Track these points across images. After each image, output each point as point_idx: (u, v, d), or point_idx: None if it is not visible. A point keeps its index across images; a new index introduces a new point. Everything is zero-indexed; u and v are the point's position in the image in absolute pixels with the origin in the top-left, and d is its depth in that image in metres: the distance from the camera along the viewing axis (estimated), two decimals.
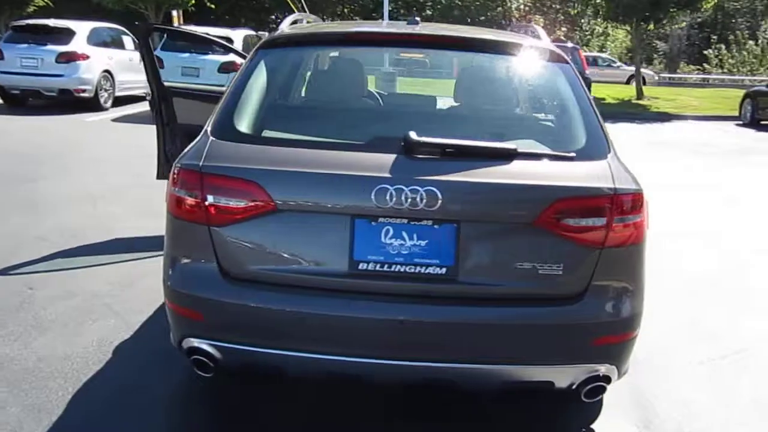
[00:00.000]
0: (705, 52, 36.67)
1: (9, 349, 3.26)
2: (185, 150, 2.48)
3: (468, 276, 2.21)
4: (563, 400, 2.74)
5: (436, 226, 2.21)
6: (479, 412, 2.84)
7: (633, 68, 24.24)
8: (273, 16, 33.42)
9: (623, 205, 2.26)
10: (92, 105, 11.99)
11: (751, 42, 33.73)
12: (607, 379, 2.33)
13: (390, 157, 2.23)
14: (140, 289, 4.02)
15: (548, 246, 2.22)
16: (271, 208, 2.21)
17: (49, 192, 6.31)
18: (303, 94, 2.93)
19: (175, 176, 2.37)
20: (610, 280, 2.28)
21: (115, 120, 11.30)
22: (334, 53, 2.91)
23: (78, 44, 12.03)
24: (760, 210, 7.10)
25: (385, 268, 2.21)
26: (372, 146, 2.31)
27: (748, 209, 7.12)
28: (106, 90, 12.42)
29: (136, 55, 13.42)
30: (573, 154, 2.33)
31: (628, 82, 26.10)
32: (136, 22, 16.74)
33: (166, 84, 4.90)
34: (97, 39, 12.63)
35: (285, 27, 2.91)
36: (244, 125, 2.44)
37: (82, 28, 12.46)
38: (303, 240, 2.26)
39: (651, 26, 22.02)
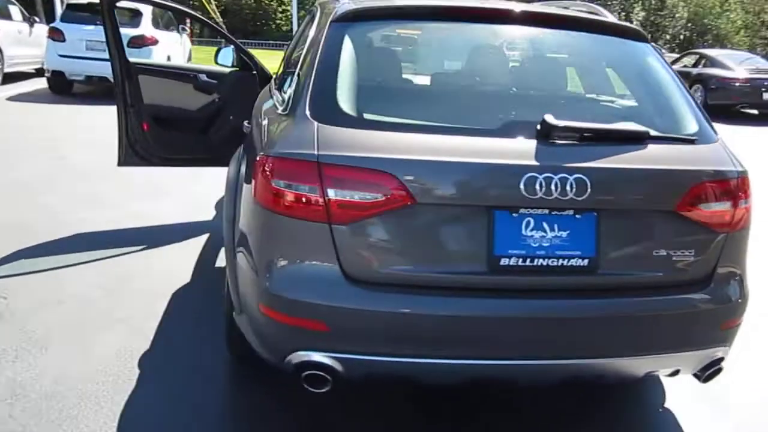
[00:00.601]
0: None
1: (12, 372, 2.77)
2: (272, 136, 2.19)
3: (608, 267, 2.10)
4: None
5: (578, 216, 2.07)
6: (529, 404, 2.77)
7: None
8: None
9: (745, 187, 2.25)
10: None
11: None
12: (722, 362, 2.33)
13: (528, 143, 2.07)
14: (135, 292, 3.59)
15: (683, 232, 2.16)
16: (407, 203, 1.98)
17: None
18: (403, 74, 2.67)
19: (273, 167, 2.07)
20: (730, 263, 2.27)
21: (10, 99, 10.11)
22: (429, 28, 2.66)
23: None
24: None
25: (527, 262, 2.05)
26: (504, 131, 2.13)
27: None
28: None
29: (26, 27, 12.12)
30: (695, 138, 2.28)
31: None
32: None
33: (131, 60, 4.38)
34: None
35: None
36: (351, 108, 2.17)
37: None
38: (438, 236, 2.05)
39: None
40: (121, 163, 4.53)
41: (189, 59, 13.69)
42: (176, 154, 4.63)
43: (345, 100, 2.17)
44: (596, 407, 2.78)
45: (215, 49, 4.85)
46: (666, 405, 2.79)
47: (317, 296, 2.02)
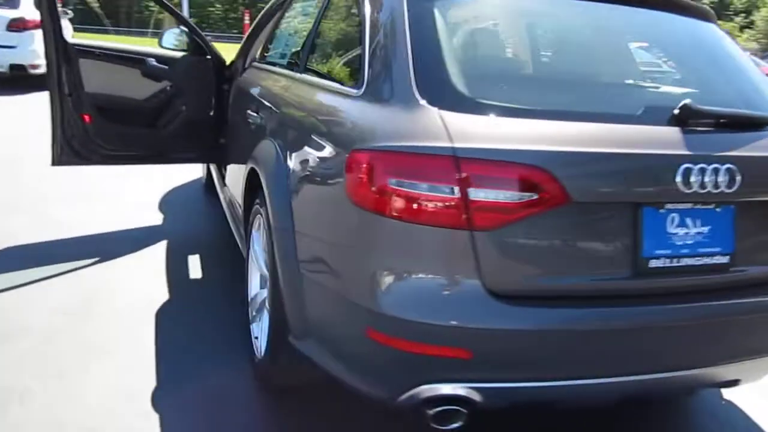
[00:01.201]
0: None
1: (5, 427, 2.20)
2: (366, 125, 1.83)
3: (744, 263, 1.94)
4: None
5: (717, 209, 1.89)
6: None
7: None
8: None
9: None
10: None
11: None
12: None
13: (670, 131, 1.85)
14: (109, 315, 3.01)
15: None
16: (562, 202, 1.70)
17: None
18: (508, 52, 2.32)
19: (389, 164, 1.71)
20: None
21: None
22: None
23: None
24: None
25: (674, 263, 1.84)
26: (640, 117, 1.89)
27: None
28: None
29: None
30: None
31: None
32: None
33: (70, 41, 3.71)
34: None
35: None
36: (471, 91, 1.83)
37: None
38: (588, 240, 1.78)
39: None
40: (55, 163, 3.83)
41: None
42: (121, 150, 3.99)
43: (461, 81, 1.84)
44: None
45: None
46: (728, 398, 2.71)
47: (456, 317, 1.69)
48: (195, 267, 3.64)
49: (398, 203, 1.70)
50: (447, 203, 1.66)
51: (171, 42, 4.17)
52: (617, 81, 2.24)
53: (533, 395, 1.80)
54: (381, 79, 1.94)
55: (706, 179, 1.79)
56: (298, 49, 2.94)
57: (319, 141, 2.08)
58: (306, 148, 2.16)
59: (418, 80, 1.82)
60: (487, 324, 1.68)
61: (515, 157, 1.67)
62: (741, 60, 2.35)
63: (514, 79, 2.06)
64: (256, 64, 3.63)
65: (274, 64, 3.38)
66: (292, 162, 2.24)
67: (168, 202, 4.80)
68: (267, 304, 2.49)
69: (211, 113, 4.16)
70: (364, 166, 1.76)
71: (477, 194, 1.66)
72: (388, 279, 1.73)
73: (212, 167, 4.59)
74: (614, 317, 1.78)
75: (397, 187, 1.70)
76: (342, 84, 2.22)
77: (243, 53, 4.06)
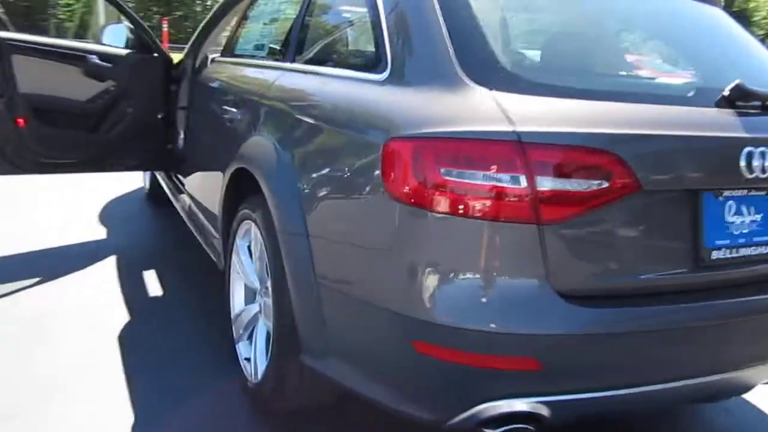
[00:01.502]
0: None
1: None
2: (406, 110, 1.61)
3: None
4: None
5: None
6: None
7: None
8: None
9: None
10: None
11: None
12: None
13: (725, 112, 1.73)
14: (63, 344, 2.62)
15: None
16: (633, 190, 1.53)
17: None
18: (554, 26, 2.10)
19: (440, 151, 1.51)
20: None
21: None
22: None
23: None
24: None
25: (733, 254, 1.72)
26: (692, 98, 1.77)
27: None
28: None
29: None
30: None
31: None
32: None
33: (1, 35, 3.29)
34: None
35: None
36: (520, 69, 1.66)
37: None
38: (654, 231, 1.62)
39: None
40: None
41: None
42: (60, 157, 3.58)
43: (509, 58, 1.67)
44: None
45: None
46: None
47: (524, 323, 1.49)
48: (153, 284, 3.28)
49: (452, 196, 1.49)
50: (512, 195, 1.47)
51: (113, 38, 3.80)
52: (662, 60, 2.12)
53: (603, 405, 1.62)
54: (410, 60, 1.73)
55: (766, 163, 1.68)
56: (285, 36, 2.67)
57: (337, 133, 1.84)
58: (318, 142, 1.92)
59: (460, 58, 1.62)
60: (559, 329, 1.49)
61: (586, 141, 1.50)
62: (756, 43, 2.29)
63: (563, 56, 1.89)
64: (221, 58, 3.33)
65: (251, 56, 3.10)
66: (299, 159, 1.99)
67: (109, 215, 4.38)
68: (263, 320, 2.22)
69: (160, 116, 3.82)
70: (408, 155, 1.54)
71: (545, 183, 1.47)
72: (440, 283, 1.52)
73: (159, 175, 4.22)
74: (684, 314, 1.64)
75: (450, 178, 1.49)
76: (353, 69, 1.99)
77: (194, 50, 3.75)
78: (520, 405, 1.52)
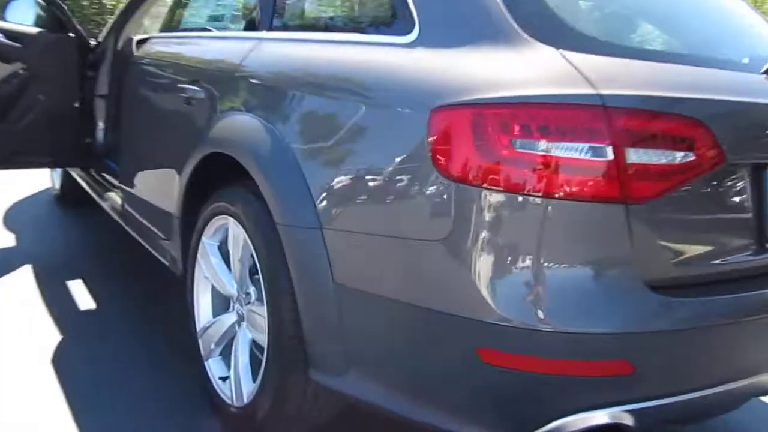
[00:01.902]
0: None
1: None
2: (456, 78, 1.36)
3: None
4: None
5: None
6: None
7: None
8: None
9: None
10: None
11: None
12: None
13: (761, 78, 1.60)
14: None
15: None
16: (719, 163, 1.36)
17: None
18: None
19: (506, 119, 1.27)
20: None
21: None
22: None
23: None
24: None
25: None
26: (747, 65, 1.63)
27: None
28: None
29: None
30: None
31: None
32: None
33: None
34: None
35: None
36: (586, 27, 1.44)
37: None
38: (727, 210, 1.45)
39: None
40: None
41: None
42: None
43: (570, 13, 1.45)
44: None
45: None
46: None
47: (613, 321, 1.27)
48: (82, 296, 2.83)
49: (524, 171, 1.25)
50: (596, 168, 1.25)
51: (19, 15, 3.29)
52: (717, 28, 1.96)
53: (690, 408, 1.43)
54: (446, 17, 1.47)
55: None
56: (253, 4, 2.32)
57: (356, 106, 1.55)
58: (324, 119, 1.62)
59: (513, 12, 1.39)
60: (652, 326, 1.29)
61: (675, 108, 1.30)
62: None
63: (625, 14, 1.70)
64: (164, 35, 2.91)
65: (204, 29, 2.72)
66: (302, 139, 1.67)
67: (16, 220, 3.81)
68: (249, 331, 1.89)
69: (76, 105, 3.35)
70: (466, 125, 1.29)
71: (632, 156, 1.26)
72: (510, 277, 1.28)
73: (76, 173, 3.71)
74: (761, 302, 1.48)
75: (523, 150, 1.25)
76: (361, 32, 1.71)
77: (116, 31, 3.32)
78: (602, 416, 1.30)
